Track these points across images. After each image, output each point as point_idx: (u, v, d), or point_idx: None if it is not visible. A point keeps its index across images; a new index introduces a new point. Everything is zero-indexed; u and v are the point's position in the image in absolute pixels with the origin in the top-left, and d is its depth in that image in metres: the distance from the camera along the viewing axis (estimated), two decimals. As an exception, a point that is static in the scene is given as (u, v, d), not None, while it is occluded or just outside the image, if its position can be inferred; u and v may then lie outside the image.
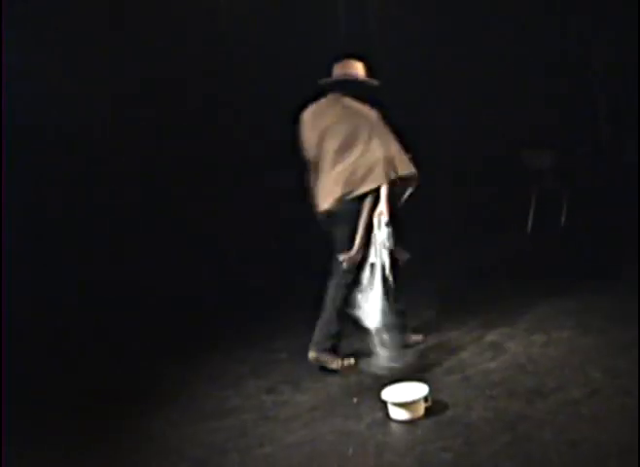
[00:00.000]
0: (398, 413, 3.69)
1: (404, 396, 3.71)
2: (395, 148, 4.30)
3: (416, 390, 3.75)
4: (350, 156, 4.29)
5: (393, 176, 4.25)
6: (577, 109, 7.49)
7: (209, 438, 3.83)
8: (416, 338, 4.69)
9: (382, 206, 4.23)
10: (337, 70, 4.49)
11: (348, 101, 4.41)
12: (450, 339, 4.71)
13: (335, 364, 4.40)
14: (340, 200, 4.28)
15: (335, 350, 4.43)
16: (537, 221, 7.20)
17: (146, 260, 6.42)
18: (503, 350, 4.39)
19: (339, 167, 4.29)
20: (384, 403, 3.76)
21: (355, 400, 4.00)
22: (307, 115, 4.49)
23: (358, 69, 4.48)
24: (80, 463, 3.75)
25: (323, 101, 4.48)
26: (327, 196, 4.34)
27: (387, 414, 3.73)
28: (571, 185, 7.04)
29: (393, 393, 3.77)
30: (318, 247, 4.55)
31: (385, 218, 4.21)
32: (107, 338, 5.57)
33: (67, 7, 6.32)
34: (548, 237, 6.90)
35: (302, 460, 3.47)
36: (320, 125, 4.39)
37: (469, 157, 7.50)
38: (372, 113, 4.38)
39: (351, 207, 4.29)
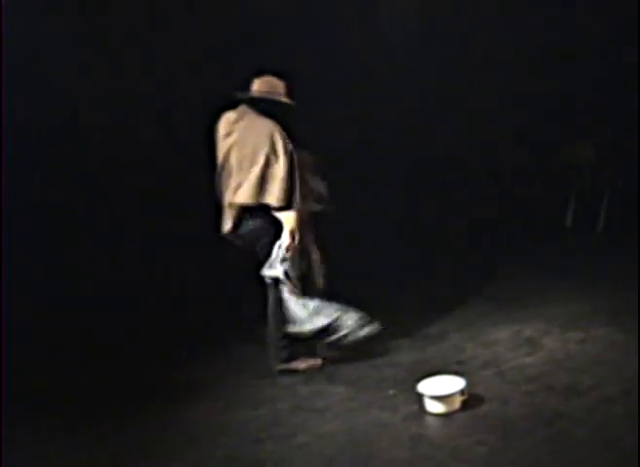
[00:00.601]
0: (434, 406, 3.68)
1: (440, 389, 3.71)
2: (273, 175, 4.28)
3: (453, 383, 3.74)
4: (244, 172, 4.34)
5: (258, 200, 4.31)
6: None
7: (243, 427, 3.85)
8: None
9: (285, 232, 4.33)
10: (256, 86, 4.45)
11: (255, 118, 4.41)
12: (486, 333, 4.70)
13: (302, 365, 4.49)
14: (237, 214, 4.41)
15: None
16: (575, 218, 7.16)
17: (181, 253, 6.45)
18: (539, 346, 4.38)
19: (234, 183, 4.40)
20: (419, 395, 3.75)
21: (392, 392, 4.00)
22: (221, 125, 4.50)
23: (277, 88, 4.45)
24: (113, 451, 3.77)
25: (233, 114, 4.48)
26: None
27: (423, 407, 3.73)
28: (611, 183, 6.98)
29: (429, 386, 3.77)
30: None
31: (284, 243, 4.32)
32: (142, 327, 5.63)
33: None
34: (585, 235, 6.86)
35: (336, 450, 3.48)
36: (228, 139, 4.43)
37: (502, 155, 7.47)
38: (270, 135, 4.32)
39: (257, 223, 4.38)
